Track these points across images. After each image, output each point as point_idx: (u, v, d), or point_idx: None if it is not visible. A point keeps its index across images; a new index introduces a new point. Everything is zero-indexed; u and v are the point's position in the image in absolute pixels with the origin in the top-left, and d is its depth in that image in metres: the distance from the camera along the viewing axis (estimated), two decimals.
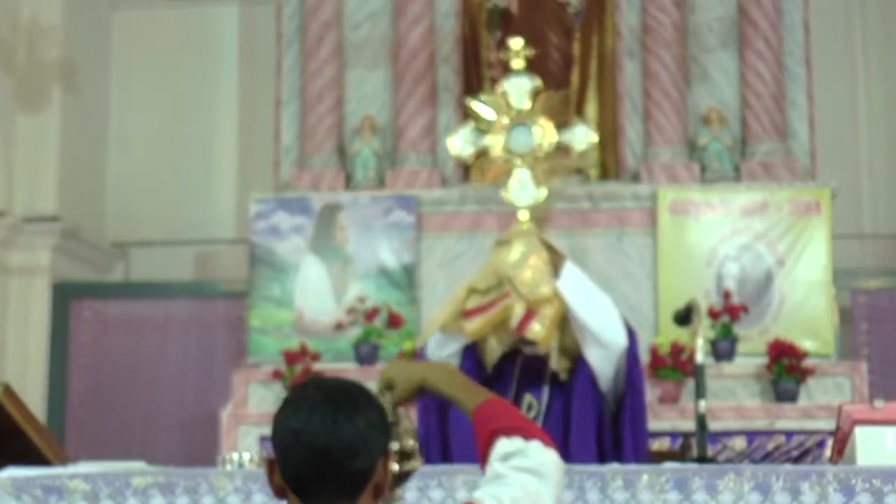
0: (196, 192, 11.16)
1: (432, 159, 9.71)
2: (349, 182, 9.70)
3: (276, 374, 8.99)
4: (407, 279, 9.28)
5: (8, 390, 4.04)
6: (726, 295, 9.07)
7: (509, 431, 2.46)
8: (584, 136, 4.10)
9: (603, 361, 4.03)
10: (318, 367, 8.94)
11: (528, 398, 4.19)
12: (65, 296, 10.44)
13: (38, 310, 10.29)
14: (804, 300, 9.07)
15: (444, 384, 2.63)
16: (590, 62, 10.11)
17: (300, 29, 10.00)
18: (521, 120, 4.25)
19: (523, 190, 4.20)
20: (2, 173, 10.35)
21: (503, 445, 2.45)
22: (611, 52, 10.02)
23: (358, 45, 10.00)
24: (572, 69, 10.03)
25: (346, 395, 2.34)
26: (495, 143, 4.30)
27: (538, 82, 4.14)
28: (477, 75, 10.17)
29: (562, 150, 4.08)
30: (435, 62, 9.89)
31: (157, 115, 11.28)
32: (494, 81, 9.90)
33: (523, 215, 4.20)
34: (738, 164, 9.52)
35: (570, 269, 4.04)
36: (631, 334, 4.00)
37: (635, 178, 9.61)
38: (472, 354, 4.34)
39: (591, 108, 10.08)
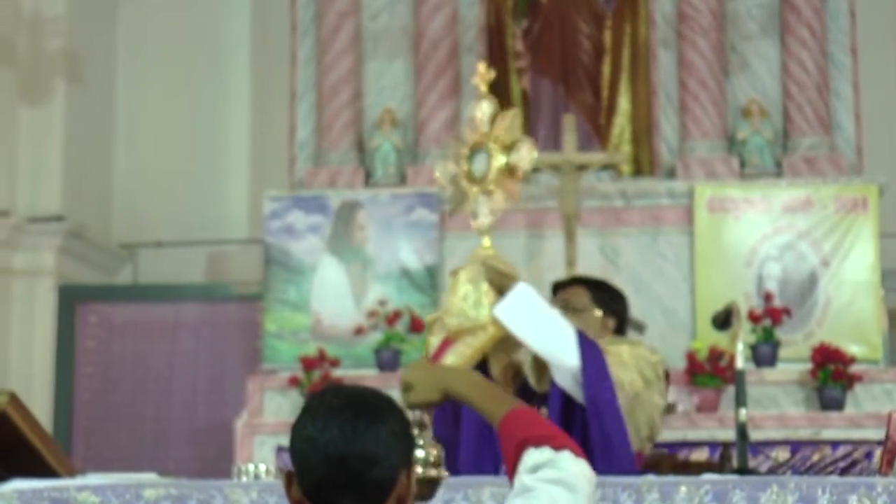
0: (207, 189, 11.19)
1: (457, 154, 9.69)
2: (368, 179, 9.72)
3: (293, 381, 9.02)
4: (430, 281, 9.29)
5: (13, 399, 4.06)
6: (767, 297, 9.05)
7: (538, 441, 2.46)
8: (527, 154, 4.18)
9: (563, 380, 4.09)
10: (337, 373, 8.96)
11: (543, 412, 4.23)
12: (70, 299, 10.48)
13: (43, 314, 10.34)
14: (850, 302, 9.05)
15: (469, 391, 2.64)
16: (622, 52, 10.09)
17: (316, 18, 10.01)
18: (478, 146, 4.33)
19: (483, 216, 4.27)
20: (4, 171, 10.40)
21: (532, 456, 2.44)
22: (644, 41, 10.01)
23: (377, 34, 10.01)
24: (603, 60, 10.03)
25: (365, 402, 2.34)
26: (460, 172, 4.40)
27: (496, 107, 4.29)
28: (502, 66, 10.15)
29: (510, 170, 4.19)
30: (458, 52, 9.89)
31: (166, 109, 11.30)
32: (521, 72, 9.92)
33: (486, 241, 4.26)
34: (780, 158, 9.51)
35: (516, 292, 4.09)
36: (590, 353, 4.03)
37: (671, 174, 9.60)
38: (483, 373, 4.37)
39: (624, 101, 10.06)
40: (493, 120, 4.34)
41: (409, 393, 2.77)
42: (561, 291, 4.46)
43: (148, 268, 11.13)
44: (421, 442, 2.84)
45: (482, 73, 4.30)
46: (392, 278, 9.37)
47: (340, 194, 9.54)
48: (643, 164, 9.91)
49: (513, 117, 4.27)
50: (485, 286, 4.17)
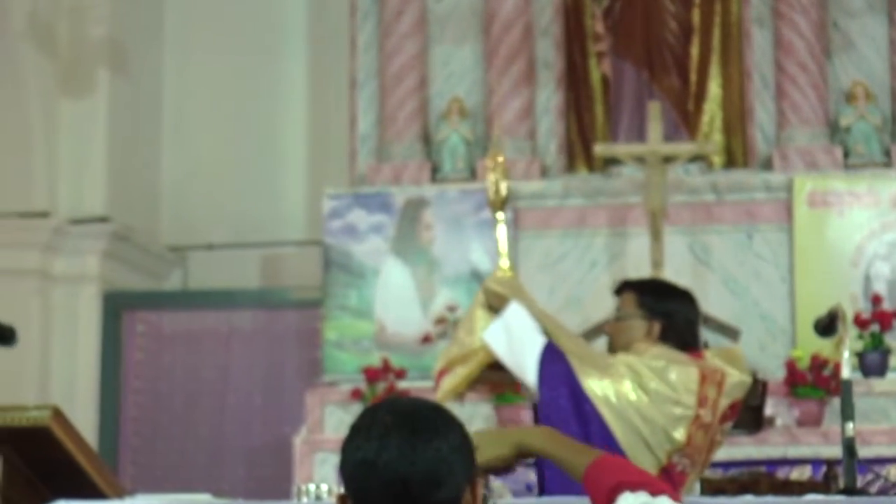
0: (262, 187, 11.23)
1: (531, 146, 9.69)
2: (435, 174, 9.72)
3: (356, 394, 9.04)
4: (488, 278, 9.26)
5: (56, 414, 4.08)
6: (876, 300, 8.95)
7: (634, 486, 2.53)
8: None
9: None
10: (402, 385, 8.98)
11: None
12: (116, 307, 10.57)
13: (87, 323, 10.42)
14: None
15: (547, 446, 2.72)
16: (712, 32, 10.03)
17: (377, 0, 10.02)
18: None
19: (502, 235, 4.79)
20: (44, 169, 10.49)
21: (628, 501, 2.51)
22: (737, 19, 9.94)
23: (443, 17, 10.01)
24: (692, 41, 9.97)
25: (422, 417, 2.33)
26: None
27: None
28: (581, 49, 10.12)
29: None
30: (532, 35, 9.87)
31: (217, 100, 11.36)
32: (601, 56, 9.88)
33: (504, 262, 4.61)
34: (889, 146, 9.42)
35: (504, 314, 4.53)
36: (549, 372, 4.30)
37: (767, 165, 9.52)
38: None
39: (714, 86, 10.00)
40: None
41: (477, 451, 2.77)
42: (617, 297, 4.65)
43: (199, 272, 11.19)
44: None
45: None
46: (461, 282, 9.35)
47: (405, 191, 9.55)
48: (736, 154, 9.85)
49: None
50: (478, 311, 4.63)
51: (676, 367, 4.39)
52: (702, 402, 4.37)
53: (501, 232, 4.85)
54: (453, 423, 2.36)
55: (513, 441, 2.73)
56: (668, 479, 4.27)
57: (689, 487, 4.53)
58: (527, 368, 4.45)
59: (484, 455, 2.71)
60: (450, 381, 4.69)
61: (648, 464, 4.26)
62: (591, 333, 8.55)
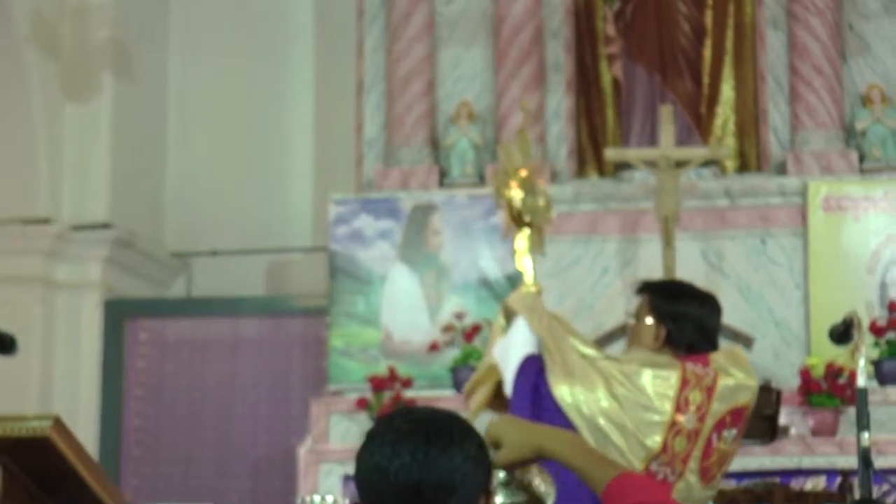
0: (267, 193, 11.24)
1: (541, 151, 9.67)
2: (443, 179, 9.74)
3: (362, 404, 9.04)
4: (512, 291, 9.25)
5: (57, 424, 4.08)
6: (892, 306, 8.94)
7: None
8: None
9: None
10: (409, 394, 8.96)
11: None
12: (118, 315, 10.57)
13: (89, 331, 10.42)
14: None
15: (567, 453, 2.68)
16: (725, 34, 10.03)
17: (385, 1, 10.05)
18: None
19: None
20: (47, 174, 10.49)
21: None
22: (750, 21, 9.94)
23: (452, 19, 10.02)
24: (704, 42, 9.97)
25: (437, 425, 2.35)
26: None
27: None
28: (592, 52, 10.13)
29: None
30: (542, 37, 9.88)
31: (223, 105, 11.39)
32: (613, 59, 9.89)
33: (527, 277, 4.63)
34: None
35: (511, 329, 4.62)
36: (521, 385, 4.46)
37: (781, 169, 9.52)
38: None
39: (728, 89, 10.00)
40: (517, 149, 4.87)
41: (498, 450, 2.77)
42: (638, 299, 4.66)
43: (203, 279, 11.19)
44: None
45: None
46: (470, 289, 9.36)
47: (413, 196, 9.56)
48: (750, 158, 9.85)
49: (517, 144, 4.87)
50: (497, 329, 4.72)
51: (650, 370, 4.36)
52: (680, 407, 4.34)
53: (521, 252, 4.81)
54: (469, 433, 2.38)
55: (535, 444, 2.71)
56: None
57: (704, 502, 4.50)
58: (509, 384, 4.52)
59: (504, 455, 2.70)
60: (475, 401, 4.75)
61: None
62: (603, 340, 8.58)
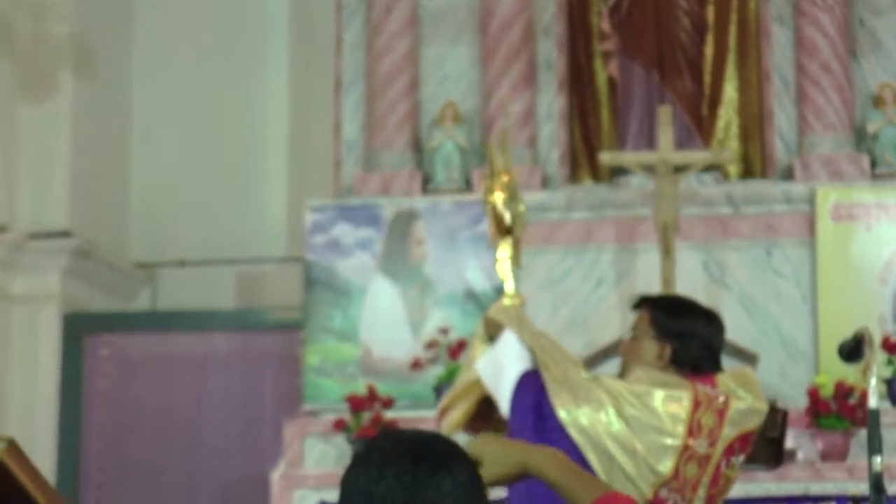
0: (239, 199, 11.24)
1: (531, 155, 9.71)
2: (427, 184, 9.74)
3: (339, 425, 9.03)
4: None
5: (11, 446, 4.07)
6: None
7: None
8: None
9: None
10: (390, 415, 8.94)
11: None
12: (78, 329, 10.54)
13: (46, 347, 10.38)
14: None
15: (550, 471, 2.71)
16: (728, 30, 10.05)
17: None
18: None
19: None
20: (2, 179, 10.47)
21: None
22: (755, 17, 9.96)
23: (437, 14, 10.03)
24: (706, 40, 9.97)
25: (426, 448, 2.37)
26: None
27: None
28: (586, 49, 10.15)
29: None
30: (533, 34, 9.89)
31: (191, 106, 11.37)
32: (608, 56, 9.91)
33: (508, 288, 4.62)
34: None
35: (495, 344, 4.58)
36: (514, 399, 4.41)
37: (787, 174, 9.54)
38: None
39: (731, 89, 10.02)
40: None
41: (480, 468, 2.80)
42: (634, 314, 4.64)
43: (169, 292, 11.17)
44: None
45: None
46: (455, 302, 9.36)
47: (395, 203, 9.57)
48: (754, 163, 9.87)
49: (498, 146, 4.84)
50: (478, 343, 4.69)
51: (662, 391, 4.35)
52: (693, 431, 4.33)
53: (503, 260, 4.83)
54: (461, 458, 2.39)
55: (518, 461, 2.73)
56: None
57: None
58: (503, 399, 4.48)
59: (487, 474, 2.72)
60: (451, 419, 4.70)
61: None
62: (597, 357, 8.60)
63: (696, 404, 4.34)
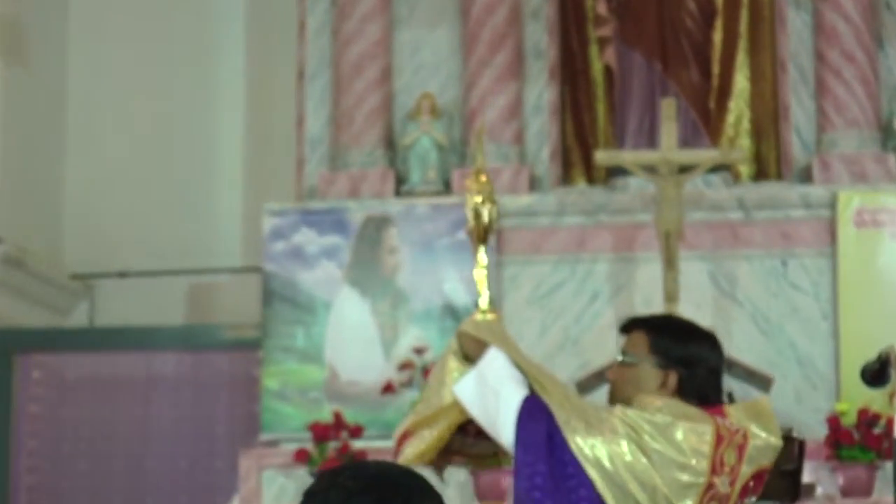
0: (188, 203, 11.25)
1: (517, 152, 9.72)
2: (401, 186, 9.75)
3: (301, 456, 9.01)
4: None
5: None
6: None
7: None
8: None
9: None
10: (358, 445, 8.95)
11: None
12: (7, 348, 10.54)
13: None
14: None
15: None
16: (739, 14, 10.10)
17: None
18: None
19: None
20: None
21: None
22: (769, 0, 9.98)
23: None
24: (714, 24, 10.01)
25: (391, 483, 2.34)
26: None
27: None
28: (580, 35, 10.16)
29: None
30: (520, 18, 9.90)
31: (135, 96, 11.35)
32: (604, 43, 9.91)
33: (483, 302, 4.59)
34: None
35: (480, 363, 4.51)
36: (520, 427, 4.36)
37: (805, 176, 9.56)
38: None
39: (741, 79, 10.05)
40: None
41: None
42: (624, 338, 4.61)
43: (110, 306, 11.16)
44: None
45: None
46: (432, 318, 9.37)
47: (364, 206, 9.57)
48: (768, 163, 9.91)
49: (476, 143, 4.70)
50: (450, 361, 4.61)
51: (685, 424, 4.35)
52: (716, 468, 4.34)
53: (480, 269, 4.81)
54: (430, 494, 2.38)
55: None
56: None
57: None
58: (502, 427, 4.42)
59: None
60: (414, 448, 4.64)
61: None
62: (589, 381, 8.57)
63: (719, 439, 4.35)
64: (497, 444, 4.55)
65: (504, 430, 4.39)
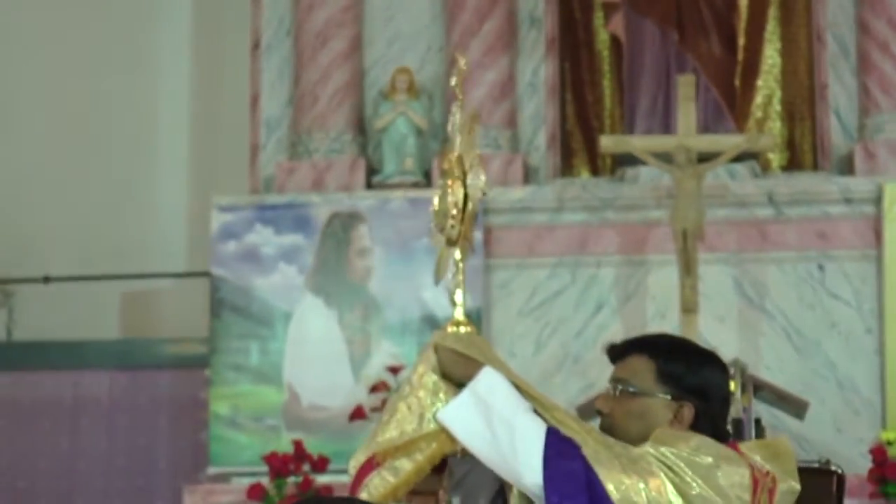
0: (123, 198, 11.25)
1: (510, 138, 9.73)
2: (373, 177, 9.76)
3: (255, 493, 9.00)
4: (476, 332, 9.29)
5: None
6: None
7: None
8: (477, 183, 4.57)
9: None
10: (323, 480, 8.99)
11: None
12: None
13: None
14: None
15: None
16: None
17: None
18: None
19: (451, 276, 4.80)
20: None
21: None
22: None
23: None
24: None
25: None
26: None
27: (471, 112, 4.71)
28: (582, 2, 10.18)
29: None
30: None
31: (61, 74, 11.34)
32: (611, 10, 9.95)
33: (458, 312, 4.50)
34: None
35: (472, 385, 4.41)
36: (551, 466, 4.28)
37: (846, 166, 9.59)
38: None
39: (772, 53, 10.08)
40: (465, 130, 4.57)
41: None
42: (616, 363, 4.54)
43: (31, 317, 11.15)
44: None
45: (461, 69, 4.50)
46: (409, 331, 9.38)
47: (330, 201, 9.58)
48: (802, 151, 9.97)
49: (470, 121, 4.49)
50: (428, 379, 4.49)
51: (726, 466, 4.34)
52: None
53: (454, 270, 4.74)
54: None
55: None
56: None
57: None
58: (524, 465, 4.35)
59: None
60: (384, 481, 4.55)
61: None
62: (591, 407, 8.52)
63: (755, 483, 4.36)
64: (437, 482, 4.48)
65: (526, 470, 4.33)
